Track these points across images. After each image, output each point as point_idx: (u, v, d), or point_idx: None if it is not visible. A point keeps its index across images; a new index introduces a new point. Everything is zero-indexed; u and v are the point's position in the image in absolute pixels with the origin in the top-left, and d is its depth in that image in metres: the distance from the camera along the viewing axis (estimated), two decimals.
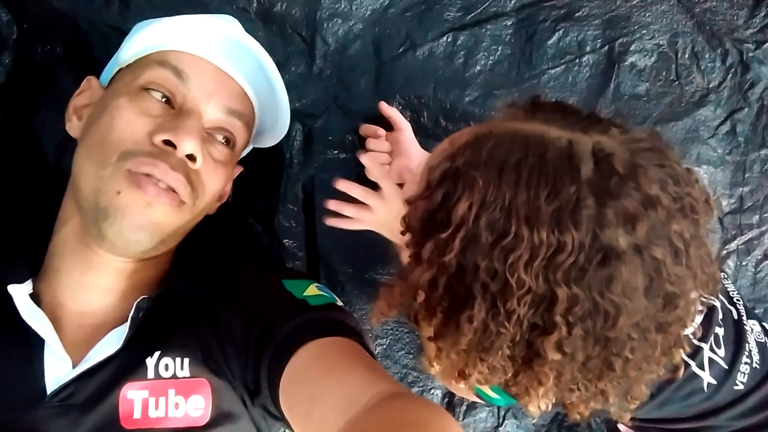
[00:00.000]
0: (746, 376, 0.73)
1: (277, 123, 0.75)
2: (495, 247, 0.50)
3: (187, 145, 0.61)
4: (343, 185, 0.80)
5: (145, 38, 0.66)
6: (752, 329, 0.77)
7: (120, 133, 0.61)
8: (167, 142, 0.61)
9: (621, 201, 0.48)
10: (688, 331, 0.65)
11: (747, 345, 0.74)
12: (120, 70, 0.68)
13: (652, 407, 0.71)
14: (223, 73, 0.67)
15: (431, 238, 0.53)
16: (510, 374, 0.55)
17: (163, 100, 0.64)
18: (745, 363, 0.74)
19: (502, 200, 0.50)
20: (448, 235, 0.52)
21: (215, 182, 0.67)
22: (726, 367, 0.72)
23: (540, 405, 0.56)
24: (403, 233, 0.59)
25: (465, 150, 0.54)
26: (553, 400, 0.56)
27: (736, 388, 0.73)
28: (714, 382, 0.72)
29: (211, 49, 0.66)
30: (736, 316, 0.77)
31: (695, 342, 0.71)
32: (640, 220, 0.48)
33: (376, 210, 0.79)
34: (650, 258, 0.49)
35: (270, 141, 0.80)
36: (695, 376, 0.71)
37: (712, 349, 0.73)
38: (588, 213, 0.48)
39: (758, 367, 0.74)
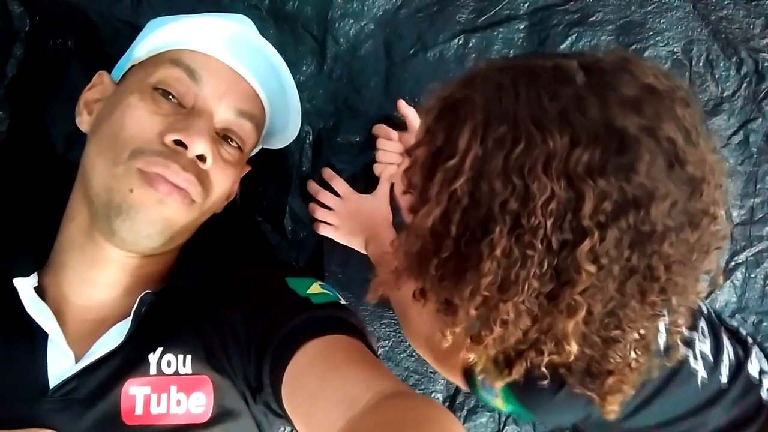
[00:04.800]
0: (727, 369, 0.73)
1: (287, 126, 0.75)
2: (508, 160, 0.48)
3: (198, 146, 0.61)
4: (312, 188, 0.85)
5: (160, 36, 0.66)
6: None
7: (131, 131, 0.61)
8: (178, 142, 0.61)
9: (621, 89, 0.49)
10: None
11: (723, 339, 0.75)
12: (132, 66, 0.68)
13: (659, 405, 0.71)
14: (235, 74, 0.67)
15: (438, 171, 0.52)
16: (535, 319, 0.52)
17: (175, 99, 0.64)
18: (726, 357, 0.74)
19: (505, 114, 0.49)
20: (456, 162, 0.50)
21: (224, 182, 0.67)
22: (712, 361, 0.72)
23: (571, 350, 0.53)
24: (405, 192, 0.58)
25: (457, 87, 0.54)
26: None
27: (722, 380, 0.73)
28: (705, 377, 0.71)
29: (225, 50, 0.66)
30: (705, 310, 0.77)
31: (686, 333, 0.70)
32: (644, 103, 0.48)
33: (338, 215, 0.84)
34: (664, 139, 0.48)
35: (279, 143, 0.80)
36: (693, 371, 0.71)
37: (701, 341, 0.73)
38: (593, 105, 0.48)
39: (733, 360, 0.74)
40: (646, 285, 0.51)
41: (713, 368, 0.72)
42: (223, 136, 0.67)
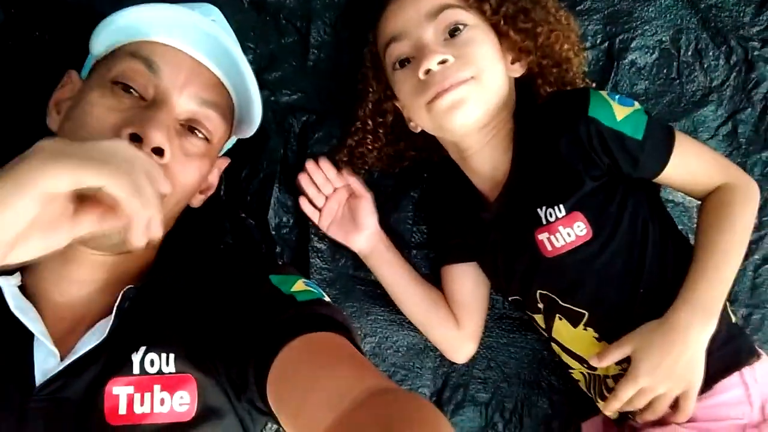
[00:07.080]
0: None
1: (250, 114, 0.74)
2: None
3: (154, 138, 0.60)
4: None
5: (119, 29, 0.65)
6: None
7: (89, 128, 0.61)
8: (134, 136, 0.60)
9: None
10: None
11: None
12: (97, 62, 0.67)
13: None
14: (196, 62, 0.66)
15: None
16: None
17: (136, 92, 0.63)
18: None
19: None
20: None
21: (187, 176, 0.66)
22: None
23: None
24: None
25: None
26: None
27: None
28: None
29: (184, 39, 0.65)
30: None
31: None
32: None
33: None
34: None
35: (249, 131, 0.78)
36: None
37: None
38: None
39: None
40: None
41: None
42: (189, 128, 0.66)
